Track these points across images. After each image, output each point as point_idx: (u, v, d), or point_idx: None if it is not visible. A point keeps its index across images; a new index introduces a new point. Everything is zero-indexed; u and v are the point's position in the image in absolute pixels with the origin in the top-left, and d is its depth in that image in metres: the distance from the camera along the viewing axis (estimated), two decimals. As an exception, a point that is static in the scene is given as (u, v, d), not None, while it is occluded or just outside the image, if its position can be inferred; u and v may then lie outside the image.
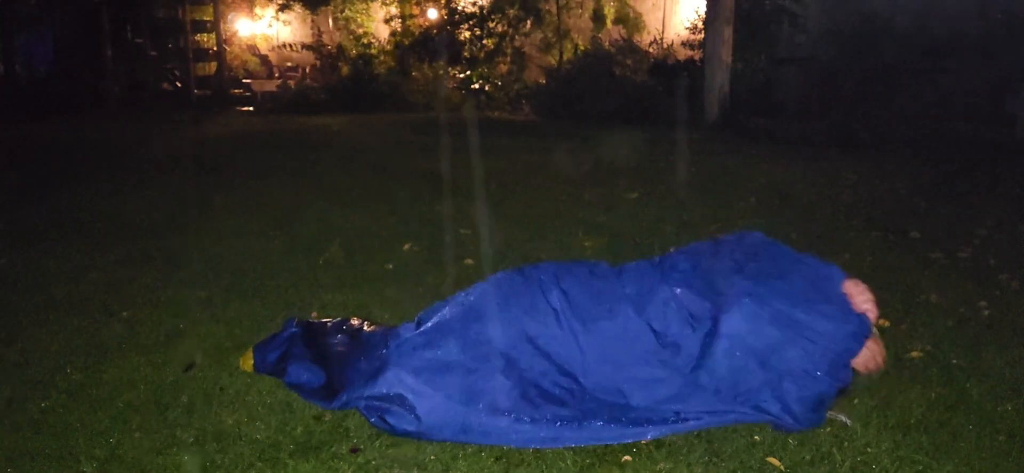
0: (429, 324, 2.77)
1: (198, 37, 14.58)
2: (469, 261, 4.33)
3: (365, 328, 3.14)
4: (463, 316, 2.76)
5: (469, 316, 2.75)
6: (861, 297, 2.68)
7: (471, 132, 10.28)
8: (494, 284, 2.86)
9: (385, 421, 2.50)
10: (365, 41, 14.65)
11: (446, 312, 2.80)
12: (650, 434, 2.47)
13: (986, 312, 3.65)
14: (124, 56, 13.46)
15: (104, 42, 12.95)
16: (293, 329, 3.06)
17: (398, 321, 3.30)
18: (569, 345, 2.68)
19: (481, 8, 14.03)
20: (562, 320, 2.70)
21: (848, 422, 2.58)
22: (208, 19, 14.49)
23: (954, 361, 3.09)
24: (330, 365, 2.84)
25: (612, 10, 14.13)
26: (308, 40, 15.53)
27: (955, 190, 6.51)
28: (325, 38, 15.37)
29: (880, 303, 3.66)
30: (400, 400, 2.53)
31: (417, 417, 2.48)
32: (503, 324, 2.70)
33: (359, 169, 7.30)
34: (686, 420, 2.52)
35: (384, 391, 2.56)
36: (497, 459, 2.38)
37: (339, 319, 3.26)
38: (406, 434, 2.47)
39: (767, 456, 2.40)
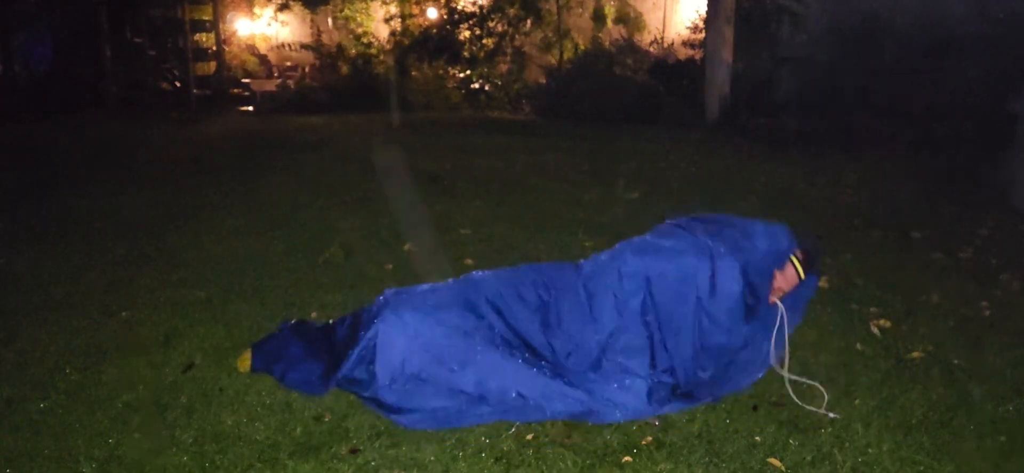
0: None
1: (197, 37, 14.53)
2: (469, 261, 4.32)
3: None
4: (457, 284, 2.95)
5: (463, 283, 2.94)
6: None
7: (471, 132, 10.27)
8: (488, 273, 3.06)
9: (372, 369, 2.63)
10: (365, 41, 14.63)
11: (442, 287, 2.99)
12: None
13: (987, 312, 3.65)
14: (123, 56, 13.41)
15: (103, 42, 12.91)
16: (287, 334, 3.02)
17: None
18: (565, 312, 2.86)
19: (481, 8, 14.00)
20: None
21: (831, 413, 2.64)
22: (207, 19, 14.46)
23: (955, 361, 3.09)
24: (329, 355, 2.86)
25: (612, 9, 14.12)
26: (307, 40, 15.50)
27: (956, 190, 6.50)
28: (324, 38, 15.34)
29: (881, 303, 3.71)
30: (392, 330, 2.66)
31: (405, 354, 2.63)
32: (495, 286, 2.88)
33: (359, 169, 7.29)
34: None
35: (378, 330, 2.69)
36: (497, 459, 2.38)
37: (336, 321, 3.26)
38: (406, 380, 2.59)
39: (768, 457, 2.40)
